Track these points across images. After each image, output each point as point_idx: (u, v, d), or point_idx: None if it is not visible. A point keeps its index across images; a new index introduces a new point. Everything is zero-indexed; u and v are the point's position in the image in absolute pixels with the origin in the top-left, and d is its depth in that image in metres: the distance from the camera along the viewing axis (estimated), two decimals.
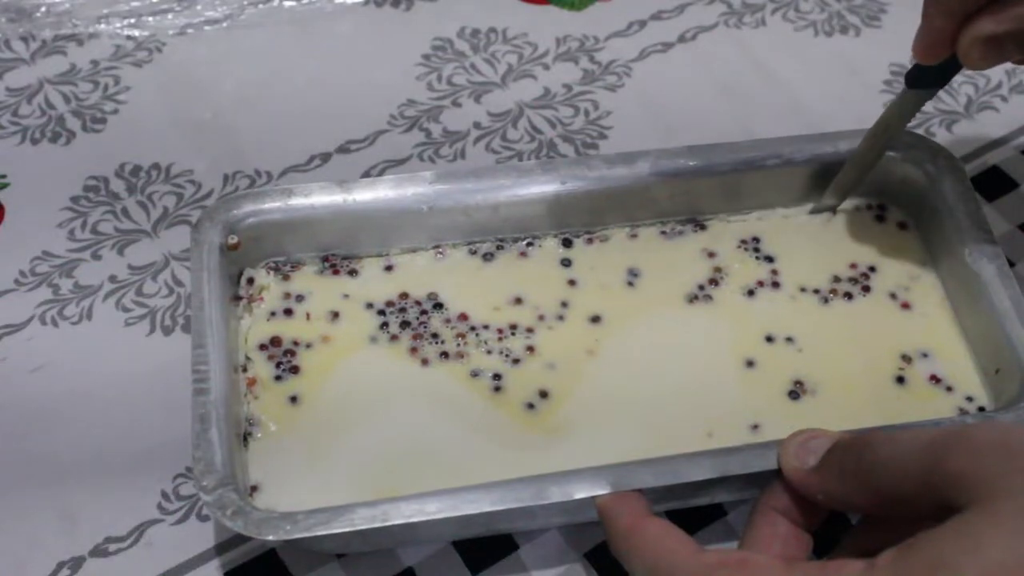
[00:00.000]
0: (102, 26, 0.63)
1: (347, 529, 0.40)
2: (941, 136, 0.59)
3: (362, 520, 0.40)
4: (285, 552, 0.45)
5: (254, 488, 0.44)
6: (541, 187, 0.50)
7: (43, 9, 0.63)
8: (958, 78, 0.62)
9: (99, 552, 0.45)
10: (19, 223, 0.55)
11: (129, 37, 0.63)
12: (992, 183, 0.57)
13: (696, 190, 0.51)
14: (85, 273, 0.53)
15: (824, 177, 0.51)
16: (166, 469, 0.47)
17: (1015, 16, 0.40)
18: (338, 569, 0.45)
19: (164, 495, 0.47)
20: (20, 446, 0.48)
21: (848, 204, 0.52)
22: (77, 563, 0.45)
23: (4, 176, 0.57)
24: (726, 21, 0.64)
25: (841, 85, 0.61)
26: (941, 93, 0.60)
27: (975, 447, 0.31)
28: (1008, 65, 0.63)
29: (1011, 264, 0.50)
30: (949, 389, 0.47)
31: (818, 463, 0.37)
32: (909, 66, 0.50)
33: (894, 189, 0.52)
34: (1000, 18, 0.41)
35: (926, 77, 0.47)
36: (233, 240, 0.48)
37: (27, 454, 0.48)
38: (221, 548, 0.45)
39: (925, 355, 0.48)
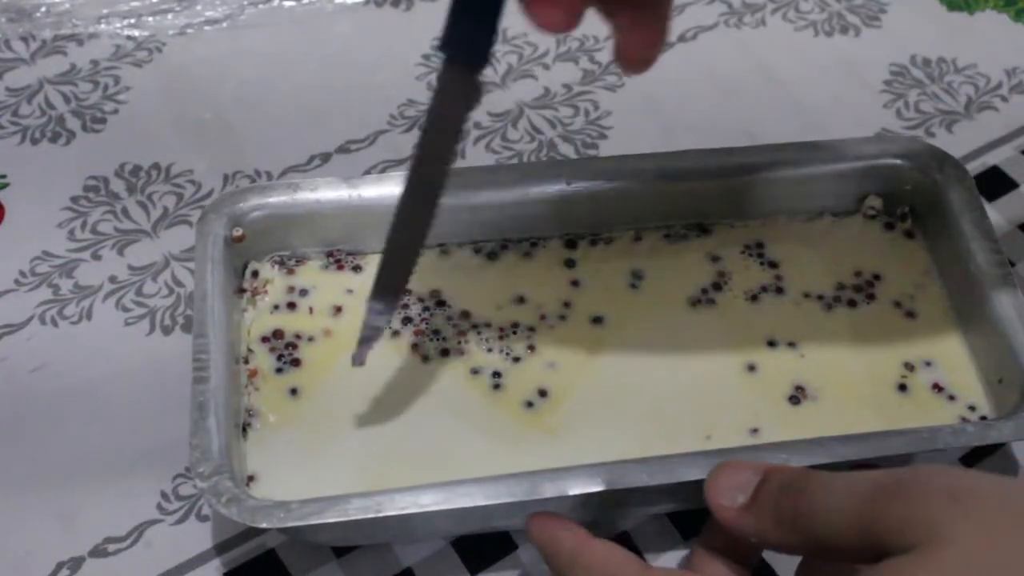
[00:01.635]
0: (102, 26, 0.63)
1: (341, 519, 0.40)
2: (941, 136, 0.59)
3: (356, 511, 0.40)
4: (284, 552, 0.45)
5: (251, 478, 0.44)
6: (547, 188, 0.50)
7: (43, 9, 0.63)
8: (957, 78, 0.62)
9: (98, 552, 0.45)
10: (19, 223, 0.55)
11: (129, 37, 0.63)
12: (992, 183, 0.57)
13: (701, 194, 0.51)
14: (85, 273, 0.53)
15: (830, 183, 0.51)
16: (166, 469, 0.47)
17: None
18: (337, 569, 0.45)
19: (164, 495, 0.47)
20: (20, 446, 0.48)
21: (857, 213, 0.52)
22: (77, 563, 0.45)
23: (4, 176, 0.57)
24: (726, 21, 0.64)
25: (841, 85, 0.61)
26: (941, 93, 0.60)
27: (918, 494, 0.30)
28: (1009, 63, 0.63)
29: (1011, 264, 0.50)
30: (951, 398, 0.47)
31: (749, 502, 0.35)
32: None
33: (902, 197, 0.52)
34: None
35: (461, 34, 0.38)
36: (238, 232, 0.48)
37: (27, 454, 0.48)
38: (221, 548, 0.45)
39: (928, 363, 0.48)
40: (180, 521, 0.46)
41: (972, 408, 0.46)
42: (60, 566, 0.45)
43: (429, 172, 0.41)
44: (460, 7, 0.37)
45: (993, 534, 0.29)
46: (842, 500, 0.32)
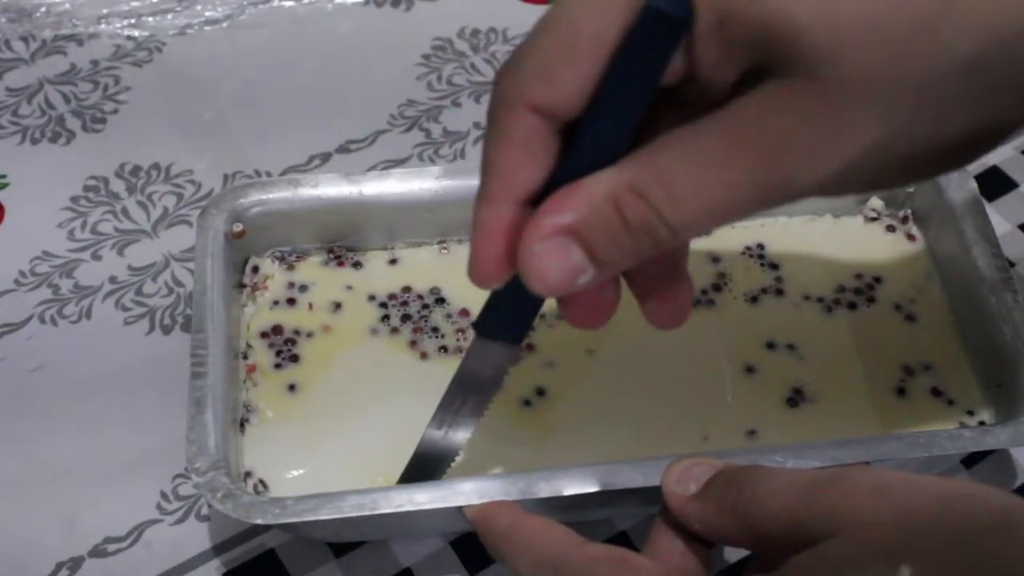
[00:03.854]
0: (102, 26, 0.63)
1: (336, 516, 0.40)
2: None
3: (351, 508, 0.40)
4: (284, 552, 0.45)
5: (248, 474, 0.44)
6: None
7: (43, 9, 0.63)
8: None
9: (98, 552, 0.45)
10: (19, 223, 0.56)
11: (129, 37, 0.63)
12: (992, 183, 0.57)
13: None
14: (85, 273, 0.53)
15: None
16: (165, 469, 0.47)
17: (591, 199, 0.31)
18: (336, 569, 0.45)
19: (163, 495, 0.47)
20: (20, 446, 0.48)
21: (859, 215, 0.52)
22: (76, 563, 0.45)
23: (4, 176, 0.57)
24: None
25: None
26: None
27: (847, 488, 0.31)
28: None
29: (1011, 264, 0.50)
30: (950, 403, 0.47)
31: (698, 491, 0.35)
32: None
33: (904, 199, 0.52)
34: (574, 202, 0.32)
35: (497, 318, 0.37)
36: (238, 228, 0.48)
37: (27, 454, 0.48)
38: (220, 548, 0.46)
39: (927, 368, 0.48)
40: (180, 521, 0.46)
41: (970, 413, 0.46)
42: (60, 566, 0.45)
43: (450, 424, 0.41)
44: (498, 298, 0.37)
45: (908, 519, 0.29)
46: (779, 491, 0.32)
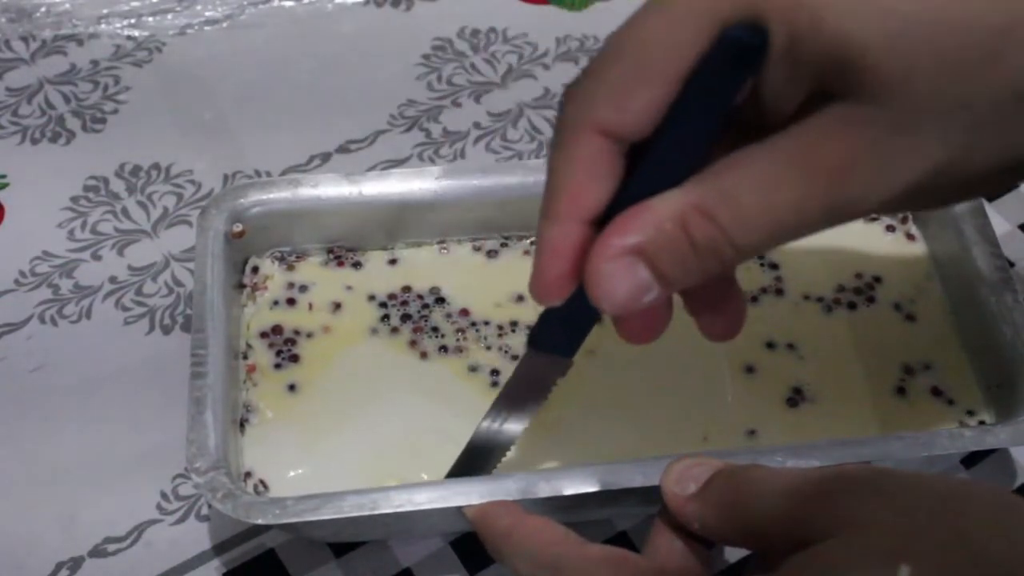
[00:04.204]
0: (102, 26, 0.63)
1: (336, 516, 0.40)
2: None
3: (351, 508, 0.40)
4: (284, 552, 0.45)
5: (248, 474, 0.44)
6: None
7: (43, 9, 0.63)
8: None
9: (98, 552, 0.45)
10: (19, 223, 0.56)
11: (129, 37, 0.63)
12: None
13: None
14: (85, 273, 0.53)
15: None
16: (165, 469, 0.47)
17: (658, 220, 0.32)
18: (336, 569, 0.45)
19: (163, 495, 0.47)
20: (20, 446, 0.48)
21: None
22: (76, 563, 0.45)
23: (4, 176, 0.57)
24: None
25: None
26: None
27: (844, 487, 0.31)
28: None
29: (1011, 264, 0.50)
30: (950, 402, 0.47)
31: (697, 491, 0.35)
32: None
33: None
34: (641, 222, 0.32)
35: (552, 333, 0.38)
36: (238, 228, 0.48)
37: (27, 454, 0.48)
38: (220, 548, 0.46)
39: (927, 367, 0.48)
40: (180, 521, 0.46)
41: (971, 413, 0.46)
42: (60, 566, 0.45)
43: (497, 430, 0.42)
44: (553, 313, 0.37)
45: (907, 518, 0.29)
46: (778, 491, 0.32)
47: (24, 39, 0.63)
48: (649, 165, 0.33)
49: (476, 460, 0.42)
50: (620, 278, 0.33)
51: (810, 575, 0.30)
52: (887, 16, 0.30)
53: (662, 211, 0.32)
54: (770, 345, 0.48)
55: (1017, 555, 0.28)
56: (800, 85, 0.31)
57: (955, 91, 0.31)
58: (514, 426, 0.42)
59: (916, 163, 0.31)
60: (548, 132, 0.59)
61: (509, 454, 0.43)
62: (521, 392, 0.41)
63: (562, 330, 0.38)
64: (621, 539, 0.46)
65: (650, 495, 0.37)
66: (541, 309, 0.49)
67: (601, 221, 0.33)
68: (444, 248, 0.51)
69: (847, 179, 0.31)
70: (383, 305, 0.49)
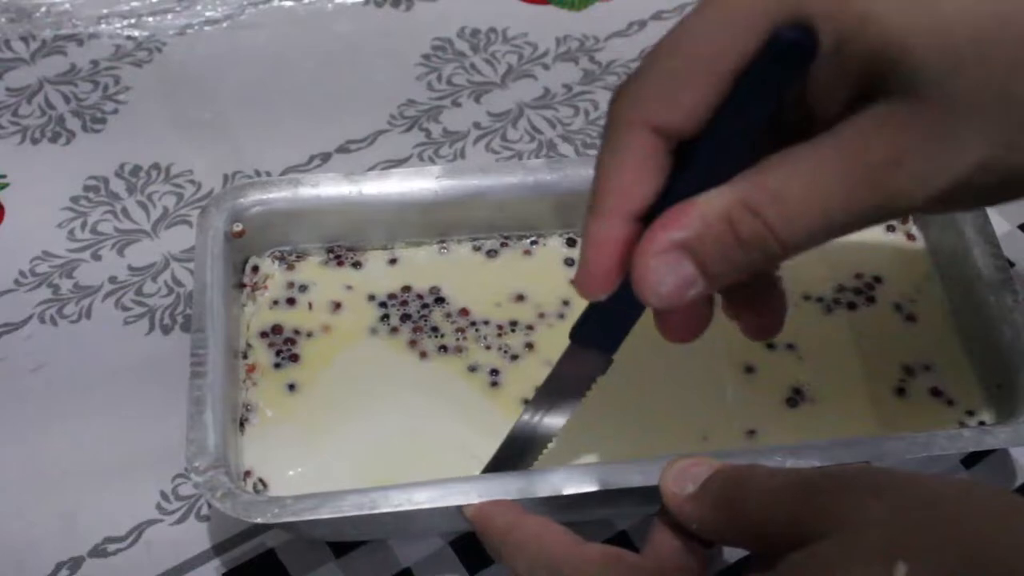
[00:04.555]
0: (102, 26, 0.63)
1: (335, 515, 0.40)
2: None
3: (351, 507, 0.40)
4: (284, 552, 0.45)
5: (247, 473, 0.44)
6: (547, 186, 0.50)
7: (43, 9, 0.63)
8: None
9: (98, 552, 0.45)
10: (19, 223, 0.56)
11: (129, 37, 0.63)
12: None
13: None
14: (85, 273, 0.53)
15: None
16: (165, 469, 0.47)
17: (705, 216, 0.33)
18: (336, 569, 0.45)
19: (163, 495, 0.47)
20: (20, 446, 0.48)
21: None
22: (76, 563, 0.45)
23: (4, 176, 0.57)
24: None
25: None
26: None
27: (842, 486, 0.31)
28: None
29: (1011, 264, 0.50)
30: (950, 403, 0.47)
31: (695, 491, 0.35)
32: None
33: None
34: (688, 218, 0.33)
35: (594, 328, 0.39)
36: (237, 228, 0.48)
37: (27, 454, 0.48)
38: (220, 548, 0.46)
39: (927, 368, 0.48)
40: (180, 521, 0.46)
41: (970, 413, 0.46)
42: (60, 566, 0.45)
43: (537, 424, 0.42)
44: (597, 309, 0.38)
45: (904, 517, 0.30)
46: (775, 490, 0.32)
47: (24, 39, 0.63)
48: (696, 162, 0.33)
49: (514, 455, 0.43)
50: (666, 272, 0.33)
51: (808, 574, 0.30)
52: (932, 14, 0.31)
53: (709, 207, 0.33)
54: (770, 345, 0.48)
55: (1016, 555, 0.28)
56: (846, 84, 0.32)
57: (999, 88, 0.31)
58: (553, 421, 0.42)
59: (961, 159, 0.32)
60: (548, 132, 0.59)
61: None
62: (561, 387, 0.41)
63: (605, 326, 0.38)
64: (621, 539, 0.46)
65: (650, 495, 0.37)
66: (541, 309, 0.50)
67: (647, 217, 0.34)
68: (444, 248, 0.51)
69: (893, 176, 0.32)
70: (383, 305, 0.49)
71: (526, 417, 0.42)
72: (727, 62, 0.32)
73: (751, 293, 0.39)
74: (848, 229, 0.33)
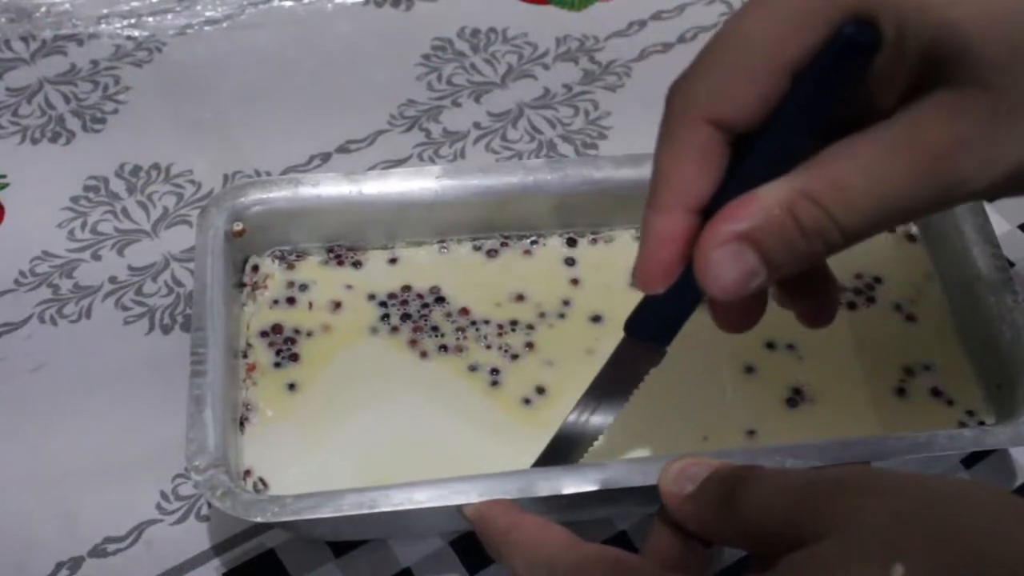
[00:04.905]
0: (102, 26, 0.63)
1: (335, 514, 0.40)
2: None
3: (350, 506, 0.40)
4: (284, 552, 0.45)
5: (247, 472, 0.44)
6: (548, 186, 0.50)
7: (43, 9, 0.63)
8: None
9: (98, 552, 0.45)
10: (19, 223, 0.56)
11: (129, 37, 0.63)
12: None
13: None
14: (85, 273, 0.53)
15: None
16: (165, 469, 0.47)
17: (766, 207, 0.33)
18: (336, 569, 0.45)
19: (163, 495, 0.47)
20: (20, 446, 0.48)
21: None
22: (76, 563, 0.45)
23: (4, 176, 0.57)
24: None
25: None
26: None
27: (840, 487, 0.31)
28: None
29: (1011, 264, 0.50)
30: (950, 403, 0.47)
31: (694, 491, 0.35)
32: None
33: None
34: (750, 210, 0.33)
35: (649, 320, 0.39)
36: (238, 227, 0.49)
37: (27, 454, 0.48)
38: (220, 548, 0.46)
39: (927, 368, 0.48)
40: (180, 521, 0.46)
41: (970, 413, 0.46)
42: (60, 566, 0.45)
43: (590, 415, 0.42)
44: (652, 302, 0.38)
45: (902, 517, 0.30)
46: (773, 491, 0.32)
47: (24, 39, 0.63)
48: (756, 155, 0.33)
49: (563, 449, 0.43)
50: (729, 263, 0.33)
51: (807, 575, 0.30)
52: (990, 2, 0.31)
53: (770, 198, 0.33)
54: (770, 345, 0.48)
55: (1015, 555, 0.28)
56: (906, 74, 0.32)
57: None
58: (603, 415, 0.42)
59: (1020, 146, 0.32)
60: (548, 132, 0.59)
61: (507, 455, 0.43)
62: (613, 381, 0.42)
63: (660, 318, 0.39)
64: (621, 539, 0.46)
65: (649, 495, 0.37)
66: (541, 308, 0.50)
67: (706, 211, 0.34)
68: (444, 248, 0.51)
69: (953, 163, 0.32)
70: (383, 304, 0.49)
71: (576, 411, 0.42)
72: (786, 56, 0.32)
73: (805, 282, 0.39)
74: (909, 217, 0.34)
